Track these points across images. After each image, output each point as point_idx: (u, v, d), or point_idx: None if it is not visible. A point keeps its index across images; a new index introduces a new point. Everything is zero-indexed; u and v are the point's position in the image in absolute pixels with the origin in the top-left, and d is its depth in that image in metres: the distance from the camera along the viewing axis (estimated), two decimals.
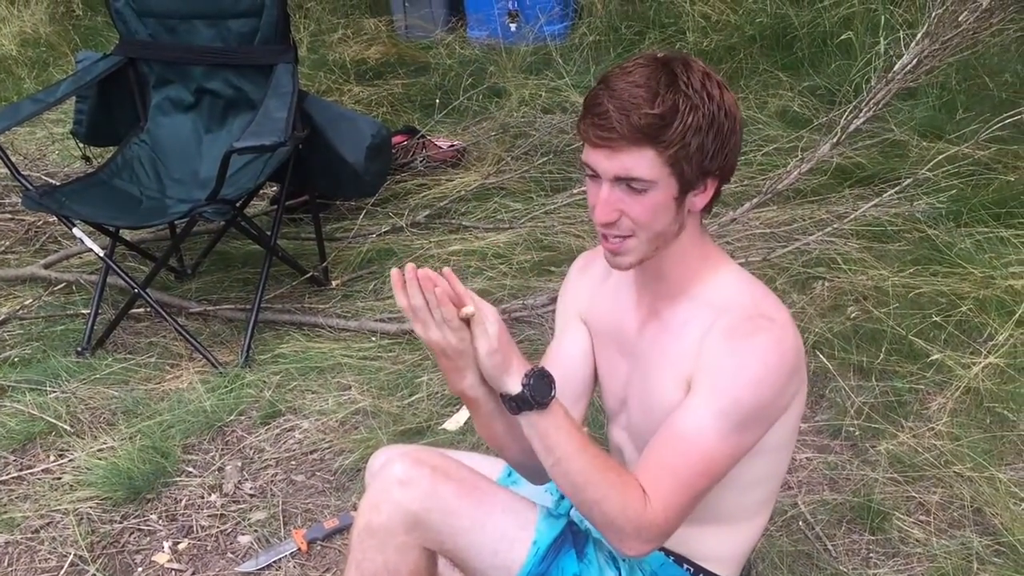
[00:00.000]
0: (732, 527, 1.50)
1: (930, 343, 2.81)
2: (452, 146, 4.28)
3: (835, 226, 3.32)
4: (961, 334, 2.86)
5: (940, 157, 3.45)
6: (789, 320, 1.41)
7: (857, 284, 3.12)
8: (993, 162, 3.80)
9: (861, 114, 3.24)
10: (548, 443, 1.35)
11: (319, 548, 2.21)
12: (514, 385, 1.33)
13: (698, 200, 1.38)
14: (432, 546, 1.47)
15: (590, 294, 1.60)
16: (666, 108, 1.28)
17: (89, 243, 3.00)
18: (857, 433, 2.51)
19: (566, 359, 1.60)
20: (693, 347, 1.39)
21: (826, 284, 3.14)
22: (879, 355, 2.77)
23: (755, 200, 3.29)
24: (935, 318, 2.90)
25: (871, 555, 2.15)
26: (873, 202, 3.38)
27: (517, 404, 1.34)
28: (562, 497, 1.75)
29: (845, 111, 3.33)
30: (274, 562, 2.16)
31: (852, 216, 3.34)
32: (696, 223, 1.42)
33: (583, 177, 1.51)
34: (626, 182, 1.33)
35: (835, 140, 3.26)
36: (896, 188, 3.35)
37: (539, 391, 1.33)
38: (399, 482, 1.42)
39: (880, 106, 3.27)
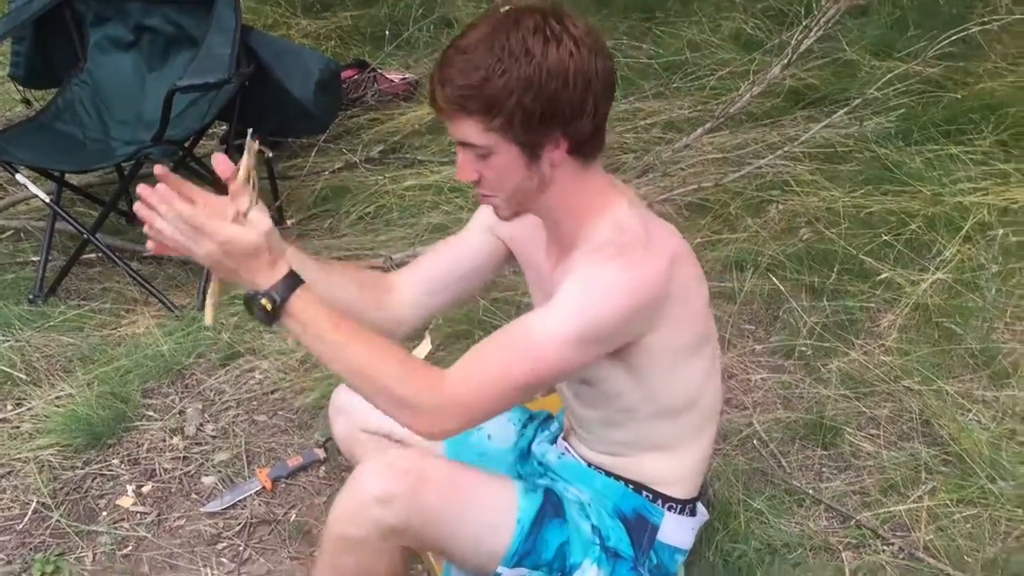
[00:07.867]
0: (675, 452, 1.53)
1: (880, 261, 2.86)
2: (404, 79, 4.22)
3: (787, 148, 3.33)
4: (910, 252, 2.91)
5: (890, 75, 3.46)
6: (660, 254, 1.34)
7: (809, 206, 3.16)
8: (943, 79, 3.83)
9: (811, 33, 3.23)
10: (316, 330, 1.27)
11: (284, 486, 2.22)
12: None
13: (555, 156, 1.31)
14: (413, 546, 1.44)
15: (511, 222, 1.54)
16: (475, 79, 1.25)
17: (34, 189, 2.94)
18: (810, 352, 2.56)
19: (465, 248, 1.60)
20: None
21: (779, 207, 3.17)
22: (831, 275, 2.81)
23: (707, 125, 3.30)
24: (885, 237, 2.94)
25: (824, 469, 2.21)
26: (824, 123, 3.40)
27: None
28: (523, 428, 1.77)
29: (796, 31, 3.32)
30: (239, 501, 2.18)
31: (803, 138, 3.36)
32: (570, 174, 1.35)
33: None
34: (468, 146, 1.31)
35: (786, 61, 3.25)
36: (846, 108, 3.36)
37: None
38: (377, 500, 1.36)
39: (831, 24, 3.26)
